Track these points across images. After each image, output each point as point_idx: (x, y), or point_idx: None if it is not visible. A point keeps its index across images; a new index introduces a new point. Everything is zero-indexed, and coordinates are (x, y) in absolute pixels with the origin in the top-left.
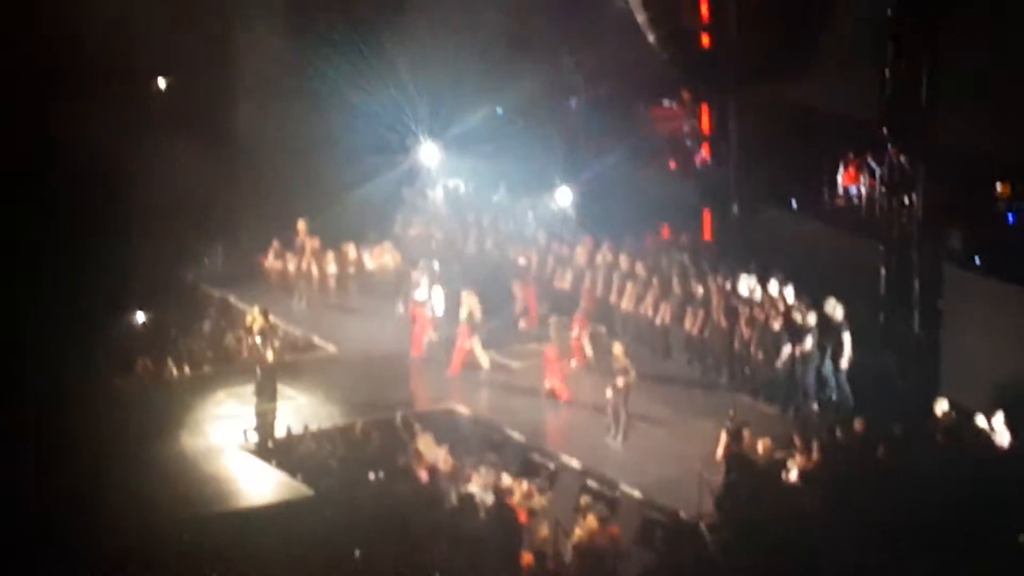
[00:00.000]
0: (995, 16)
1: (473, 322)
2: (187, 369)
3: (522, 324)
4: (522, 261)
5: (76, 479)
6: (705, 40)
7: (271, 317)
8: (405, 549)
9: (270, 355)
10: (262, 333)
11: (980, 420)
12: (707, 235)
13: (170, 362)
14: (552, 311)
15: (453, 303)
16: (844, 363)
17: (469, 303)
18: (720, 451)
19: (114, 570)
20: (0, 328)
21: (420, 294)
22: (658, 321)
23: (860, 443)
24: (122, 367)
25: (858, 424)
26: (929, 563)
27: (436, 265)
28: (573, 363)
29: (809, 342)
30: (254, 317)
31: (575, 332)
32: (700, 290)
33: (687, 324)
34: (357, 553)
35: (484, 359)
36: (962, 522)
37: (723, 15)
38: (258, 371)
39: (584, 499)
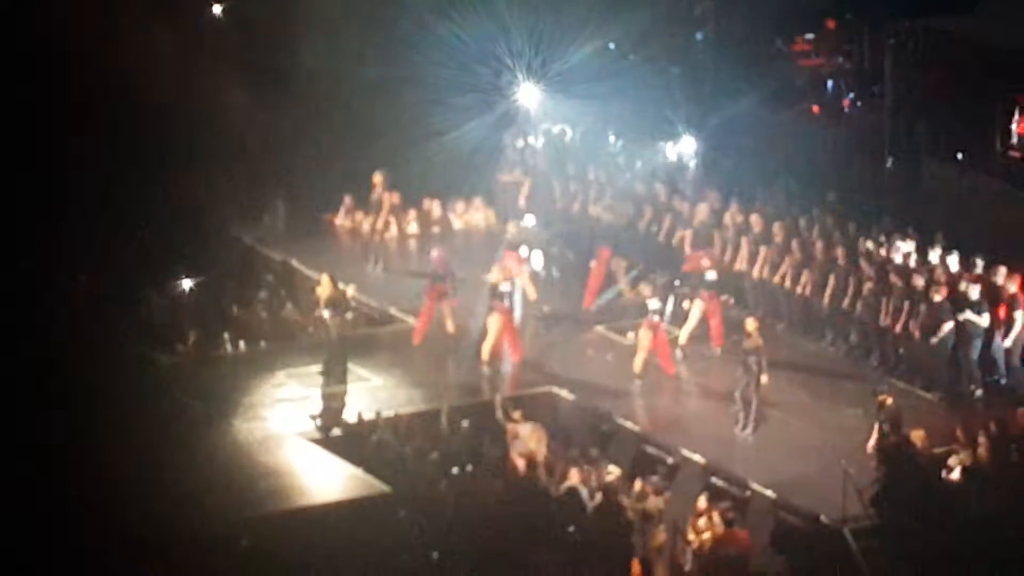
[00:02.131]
0: None
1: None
2: (242, 344)
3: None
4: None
5: (114, 470)
6: None
7: (341, 284)
8: (494, 554)
9: (340, 329)
10: (330, 303)
11: None
12: (857, 192)
13: (224, 336)
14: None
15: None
16: (1019, 342)
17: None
18: (870, 445)
19: None
20: (29, 295)
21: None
22: (797, 292)
23: None
24: (168, 341)
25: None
26: None
27: (535, 225)
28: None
29: (976, 317)
30: (321, 284)
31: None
32: (847, 256)
33: (831, 296)
34: (435, 555)
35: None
36: None
37: None
38: (326, 348)
39: (707, 499)
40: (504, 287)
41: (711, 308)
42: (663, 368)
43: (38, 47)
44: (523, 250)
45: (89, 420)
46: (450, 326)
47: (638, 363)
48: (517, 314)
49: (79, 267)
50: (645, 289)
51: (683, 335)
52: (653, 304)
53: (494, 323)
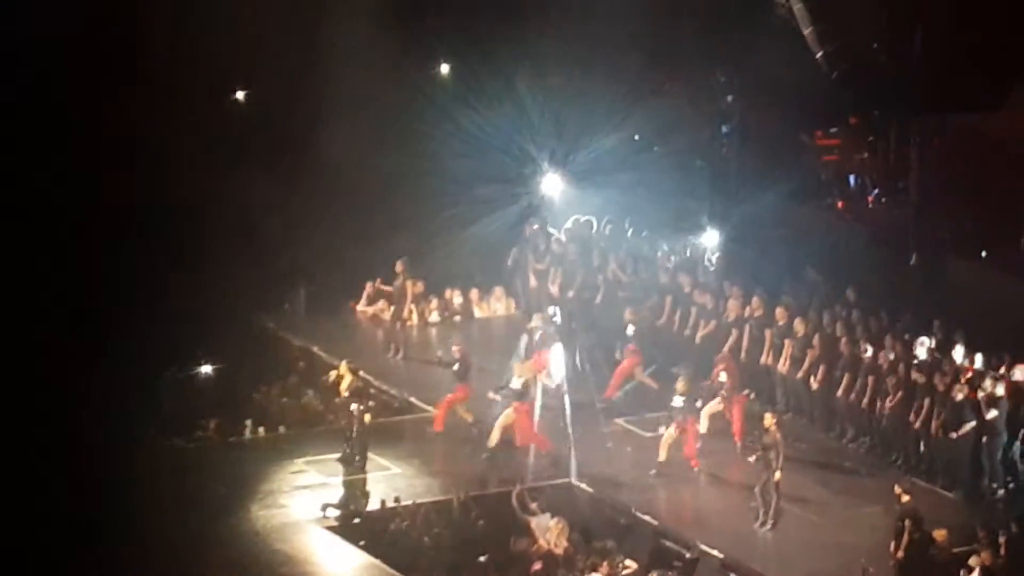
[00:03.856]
0: None
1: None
2: (262, 430)
3: (653, 385)
4: (631, 327)
5: (132, 556)
6: (883, 58)
7: (362, 373)
8: None
9: (360, 417)
10: (350, 391)
11: None
12: (880, 287)
13: (244, 421)
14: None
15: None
16: None
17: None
18: (892, 544)
19: None
20: (51, 375)
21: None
22: (819, 388)
23: None
24: (188, 426)
25: None
26: None
27: (557, 316)
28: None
29: (998, 416)
30: (341, 372)
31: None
32: (870, 353)
33: (853, 392)
34: None
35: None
36: None
37: (907, 28)
38: (345, 435)
39: None
40: (525, 385)
41: (730, 407)
42: (687, 461)
43: (67, 146)
44: (547, 341)
45: (107, 504)
46: (468, 415)
47: (663, 453)
48: (537, 409)
49: (102, 350)
50: (680, 385)
51: (702, 426)
52: (677, 401)
53: (508, 416)
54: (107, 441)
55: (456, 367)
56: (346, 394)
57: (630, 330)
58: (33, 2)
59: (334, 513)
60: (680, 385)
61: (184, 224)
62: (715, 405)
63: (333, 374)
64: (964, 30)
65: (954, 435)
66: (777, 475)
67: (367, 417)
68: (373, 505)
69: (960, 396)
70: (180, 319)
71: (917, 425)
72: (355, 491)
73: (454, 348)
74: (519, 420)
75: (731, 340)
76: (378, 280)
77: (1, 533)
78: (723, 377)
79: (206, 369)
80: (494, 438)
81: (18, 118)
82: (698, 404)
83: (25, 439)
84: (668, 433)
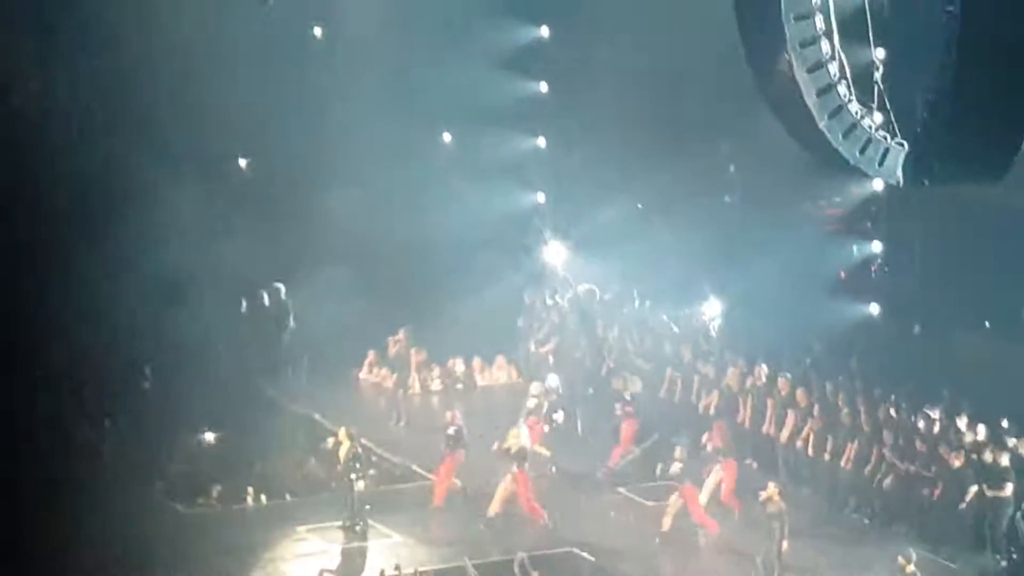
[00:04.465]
0: None
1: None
2: (264, 498)
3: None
4: (627, 396)
5: None
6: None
7: (362, 440)
8: None
9: (360, 485)
10: (350, 459)
11: None
12: (882, 358)
13: (247, 488)
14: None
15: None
16: None
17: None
18: None
19: None
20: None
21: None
22: (822, 458)
23: None
24: (191, 493)
25: None
26: None
27: (558, 385)
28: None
29: (1002, 487)
30: (340, 440)
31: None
32: (872, 423)
33: (854, 462)
34: None
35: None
36: None
37: (907, 98)
38: (347, 503)
39: None
40: (519, 452)
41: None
42: (698, 526)
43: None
44: (545, 409)
45: (105, 565)
46: (455, 480)
47: (667, 522)
48: (531, 477)
49: (105, 412)
50: (678, 453)
51: (703, 498)
52: (675, 468)
53: (507, 484)
54: (113, 500)
55: (451, 433)
56: (345, 462)
57: (626, 397)
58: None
59: None
60: (678, 453)
61: (188, 290)
62: (715, 476)
63: (331, 441)
64: (964, 99)
65: (962, 506)
66: (784, 544)
67: (361, 484)
68: (372, 574)
69: (956, 464)
70: (182, 389)
71: (929, 495)
72: (355, 559)
73: (448, 415)
74: (519, 488)
75: (741, 412)
76: (392, 341)
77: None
78: (712, 444)
79: (210, 436)
80: (494, 507)
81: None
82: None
83: (25, 496)
84: (672, 501)
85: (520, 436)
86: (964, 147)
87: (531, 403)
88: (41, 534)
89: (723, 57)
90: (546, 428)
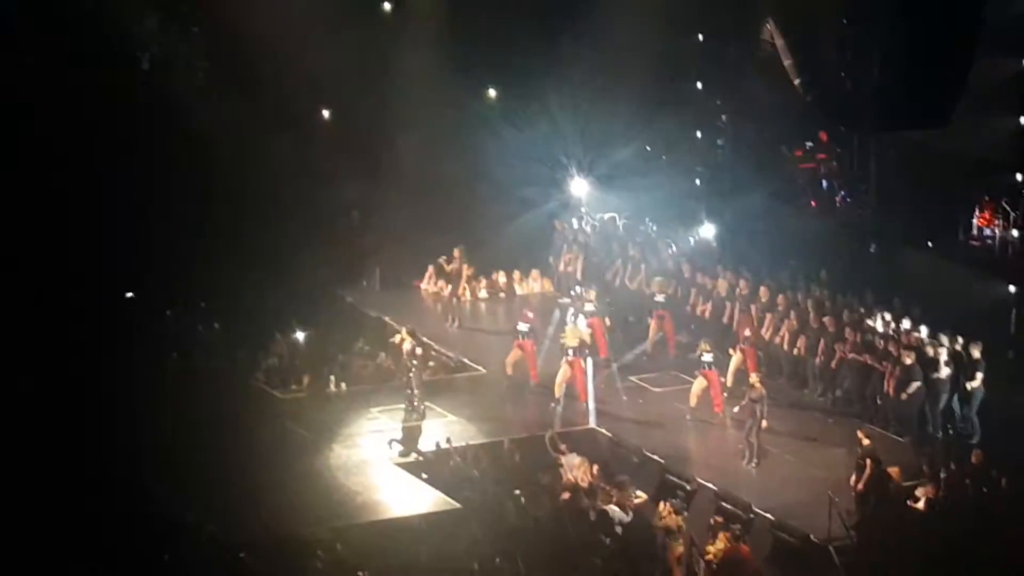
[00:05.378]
0: None
1: (580, 353)
2: (343, 385)
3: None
4: (659, 298)
5: (234, 483)
6: (848, 84)
7: (422, 338)
8: (546, 559)
9: (419, 372)
10: (410, 353)
11: None
12: (845, 272)
13: (330, 378)
14: (697, 341)
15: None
16: (974, 399)
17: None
18: (853, 479)
19: None
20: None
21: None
22: (794, 353)
23: (984, 475)
24: (285, 381)
25: (977, 456)
26: None
27: (586, 294)
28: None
29: (940, 377)
30: (404, 338)
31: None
32: (836, 325)
33: (822, 358)
34: (497, 561)
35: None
36: None
37: (867, 61)
38: (409, 389)
39: (718, 519)
40: (578, 345)
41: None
42: (713, 405)
43: (185, 152)
44: (590, 312)
45: (219, 441)
46: (510, 368)
47: (693, 400)
48: (589, 367)
49: (217, 317)
50: (703, 345)
51: (728, 379)
52: (707, 357)
53: (566, 371)
54: (223, 388)
55: (524, 329)
56: (406, 355)
57: (660, 298)
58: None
59: (398, 447)
60: (704, 345)
61: (284, 218)
62: (737, 361)
63: (398, 338)
64: (913, 61)
65: (904, 395)
66: (764, 423)
67: (422, 373)
68: (430, 447)
69: (908, 361)
70: (280, 295)
71: (880, 384)
72: (416, 435)
73: (523, 312)
74: (576, 373)
75: (730, 316)
76: (441, 259)
77: (104, 462)
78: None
79: (300, 335)
80: (558, 390)
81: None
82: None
83: (155, 384)
84: (697, 383)
85: (581, 332)
86: (913, 100)
87: (589, 307)
88: (176, 411)
89: (715, 28)
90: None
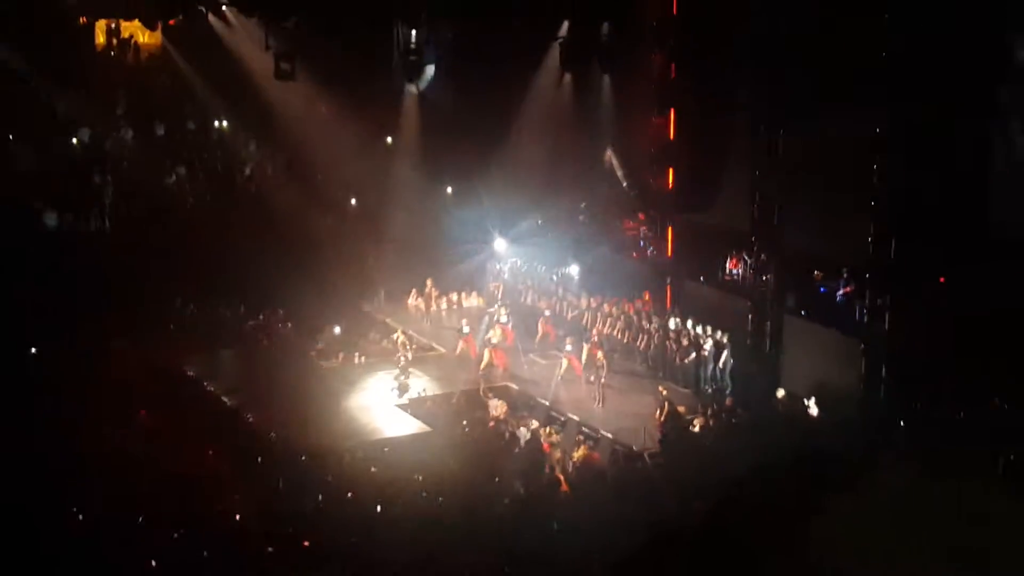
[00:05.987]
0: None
1: (500, 343)
2: (362, 359)
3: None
4: (547, 312)
5: (297, 417)
6: (656, 185)
7: (408, 331)
8: (481, 459)
9: (408, 354)
10: (403, 342)
11: (803, 401)
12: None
13: (355, 355)
14: (566, 335)
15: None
16: (726, 366)
17: (500, 332)
18: (657, 413)
19: (308, 470)
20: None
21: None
22: (625, 340)
23: (732, 412)
24: (328, 356)
25: (728, 401)
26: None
27: (502, 308)
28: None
29: (706, 353)
30: (400, 333)
31: (589, 347)
32: (648, 324)
33: (641, 343)
34: (452, 463)
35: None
36: (789, 461)
37: (668, 173)
38: (401, 362)
39: (579, 438)
40: (497, 339)
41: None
42: (575, 372)
43: (270, 223)
44: (503, 319)
45: (289, 391)
46: (456, 352)
47: (559, 372)
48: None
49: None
50: (568, 340)
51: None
52: (567, 347)
53: (488, 355)
54: (286, 362)
55: (465, 329)
56: (401, 343)
57: (547, 311)
58: None
59: (395, 395)
60: (569, 338)
61: (327, 260)
62: (588, 350)
63: (395, 334)
64: (694, 172)
65: (686, 361)
66: (603, 380)
67: (409, 353)
68: (413, 395)
69: (685, 342)
70: (324, 304)
71: (674, 358)
72: (405, 387)
73: (463, 321)
74: (497, 357)
75: (586, 319)
76: (420, 287)
77: (219, 411)
78: (594, 336)
79: (336, 328)
80: (483, 366)
81: None
82: (569, 348)
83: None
84: (561, 364)
85: (499, 333)
86: (691, 194)
87: (503, 318)
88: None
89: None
90: (511, 327)
